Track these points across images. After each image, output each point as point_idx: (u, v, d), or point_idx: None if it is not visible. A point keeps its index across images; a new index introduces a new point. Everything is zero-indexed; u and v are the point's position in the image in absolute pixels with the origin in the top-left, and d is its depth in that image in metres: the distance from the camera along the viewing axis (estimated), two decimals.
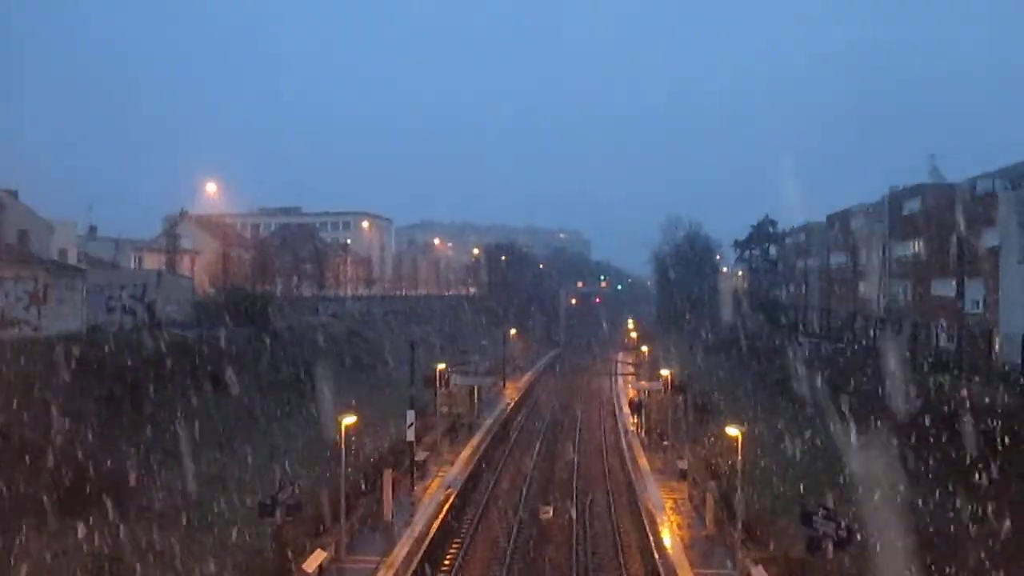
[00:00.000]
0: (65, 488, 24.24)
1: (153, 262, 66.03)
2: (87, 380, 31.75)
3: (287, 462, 32.63)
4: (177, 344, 41.20)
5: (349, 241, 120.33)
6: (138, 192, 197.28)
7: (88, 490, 24.90)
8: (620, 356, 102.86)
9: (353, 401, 37.78)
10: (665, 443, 47.39)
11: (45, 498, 23.34)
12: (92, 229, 68.19)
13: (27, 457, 24.65)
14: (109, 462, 27.49)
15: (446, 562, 29.72)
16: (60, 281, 40.84)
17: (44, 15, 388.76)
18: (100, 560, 21.46)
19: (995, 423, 28.28)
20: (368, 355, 64.52)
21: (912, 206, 58.27)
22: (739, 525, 27.34)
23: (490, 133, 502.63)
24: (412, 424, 38.34)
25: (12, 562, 20.49)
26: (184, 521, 25.59)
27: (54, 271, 41.18)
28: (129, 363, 35.02)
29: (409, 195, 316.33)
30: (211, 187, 67.65)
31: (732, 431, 28.10)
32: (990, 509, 23.98)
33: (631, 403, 59.72)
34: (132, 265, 65.37)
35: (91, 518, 23.50)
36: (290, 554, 24.80)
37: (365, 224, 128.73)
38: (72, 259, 51.48)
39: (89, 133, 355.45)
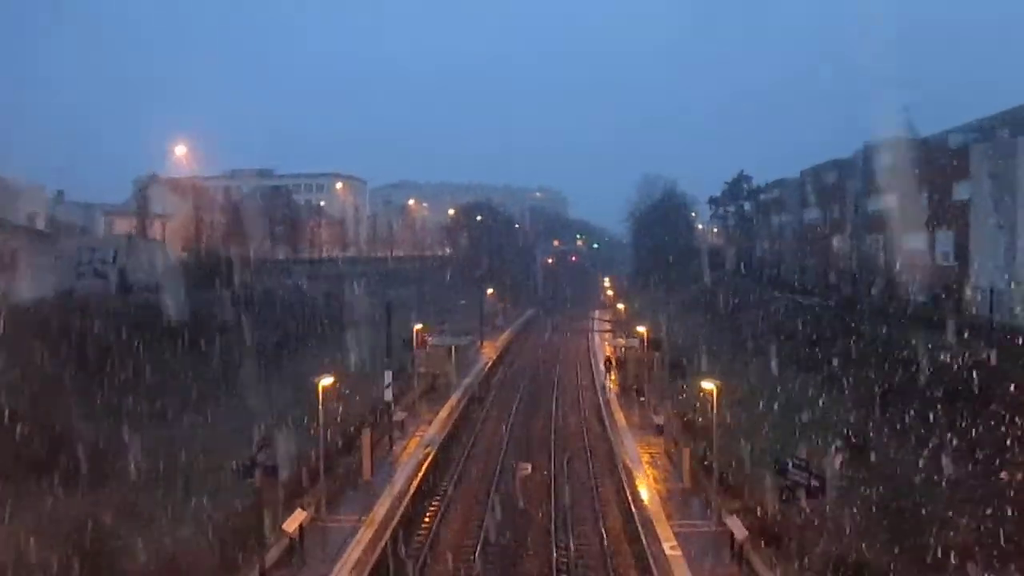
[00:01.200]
0: (40, 454, 24.11)
1: (124, 227, 65.13)
2: (59, 345, 31.46)
3: (265, 424, 32.57)
4: (149, 308, 40.91)
5: (323, 203, 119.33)
6: (108, 156, 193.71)
7: (63, 455, 24.79)
8: (597, 314, 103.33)
9: (330, 362, 37.75)
10: (642, 399, 47.87)
11: (19, 464, 23.21)
12: (60, 194, 67.04)
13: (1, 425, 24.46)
14: (84, 427, 27.37)
15: (426, 519, 29.98)
16: (29, 247, 40.36)
17: None
18: (78, 524, 21.41)
19: (966, 380, 28.94)
20: (344, 316, 64.31)
21: (885, 160, 58.54)
22: (715, 477, 27.76)
23: (466, 91, 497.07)
24: (390, 384, 38.46)
25: None
26: (162, 484, 25.58)
27: (22, 236, 40.63)
28: (101, 328, 34.73)
29: (385, 155, 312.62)
30: (181, 149, 66.68)
31: (707, 385, 28.38)
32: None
33: (607, 361, 60.19)
34: (103, 230, 64.44)
35: (68, 483, 23.45)
36: (270, 515, 24.88)
37: (339, 186, 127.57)
38: (41, 224, 50.71)
39: (56, 95, 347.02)
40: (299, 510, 25.32)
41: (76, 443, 25.95)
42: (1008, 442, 25.04)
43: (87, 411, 28.61)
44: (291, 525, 24.30)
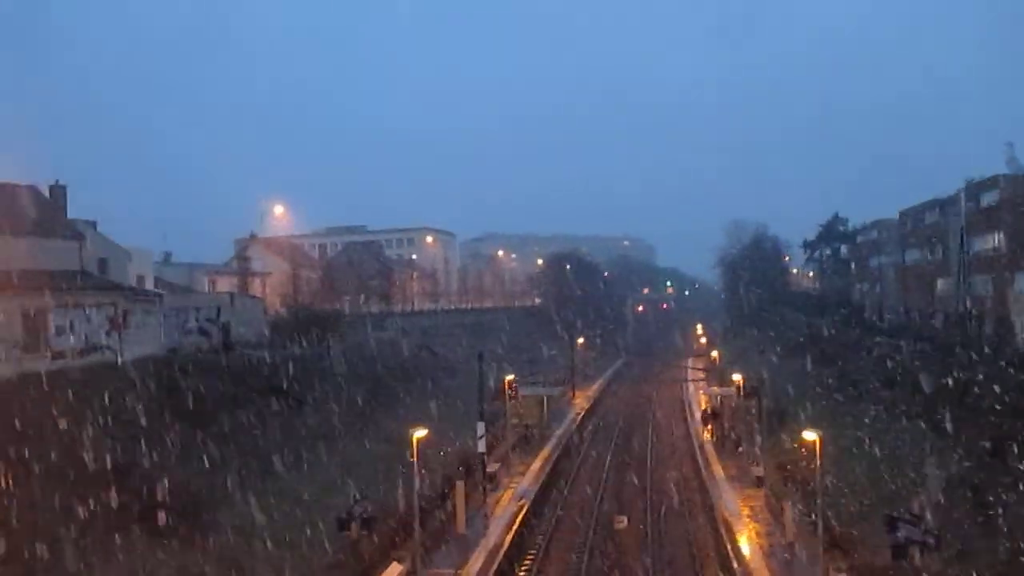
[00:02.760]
0: (145, 506, 24.96)
1: (226, 285, 67.65)
2: (166, 402, 32.68)
3: (361, 476, 32.94)
4: (251, 364, 42.20)
5: (414, 256, 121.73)
6: (210, 218, 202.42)
7: (167, 508, 25.58)
8: (690, 362, 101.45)
9: (423, 414, 38.06)
10: (740, 449, 46.49)
11: (129, 517, 24.04)
12: (167, 255, 70.27)
13: (112, 478, 25.43)
14: (189, 481, 28.19)
15: (521, 574, 29.60)
16: (138, 306, 42.22)
17: (109, 52, 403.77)
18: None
19: None
20: (436, 368, 64.97)
21: (990, 198, 56.17)
22: (820, 532, 26.54)
23: (552, 143, 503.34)
24: (482, 436, 38.36)
25: None
26: (262, 537, 26.04)
27: (132, 297, 42.56)
28: (206, 384, 35.93)
29: (472, 208, 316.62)
30: (278, 209, 69.41)
31: (810, 436, 27.32)
32: None
33: (704, 413, 58.72)
34: (206, 289, 67.07)
35: (171, 534, 24.16)
36: (367, 568, 25.03)
37: (429, 239, 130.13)
38: (149, 285, 53.10)
39: (161, 162, 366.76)
40: (395, 563, 25.40)
41: (179, 496, 26.75)
42: None
43: (190, 465, 29.48)
44: None
